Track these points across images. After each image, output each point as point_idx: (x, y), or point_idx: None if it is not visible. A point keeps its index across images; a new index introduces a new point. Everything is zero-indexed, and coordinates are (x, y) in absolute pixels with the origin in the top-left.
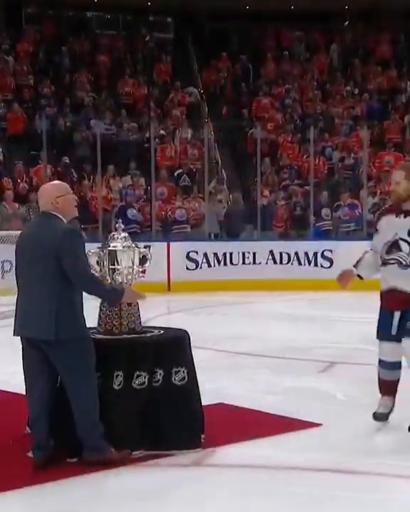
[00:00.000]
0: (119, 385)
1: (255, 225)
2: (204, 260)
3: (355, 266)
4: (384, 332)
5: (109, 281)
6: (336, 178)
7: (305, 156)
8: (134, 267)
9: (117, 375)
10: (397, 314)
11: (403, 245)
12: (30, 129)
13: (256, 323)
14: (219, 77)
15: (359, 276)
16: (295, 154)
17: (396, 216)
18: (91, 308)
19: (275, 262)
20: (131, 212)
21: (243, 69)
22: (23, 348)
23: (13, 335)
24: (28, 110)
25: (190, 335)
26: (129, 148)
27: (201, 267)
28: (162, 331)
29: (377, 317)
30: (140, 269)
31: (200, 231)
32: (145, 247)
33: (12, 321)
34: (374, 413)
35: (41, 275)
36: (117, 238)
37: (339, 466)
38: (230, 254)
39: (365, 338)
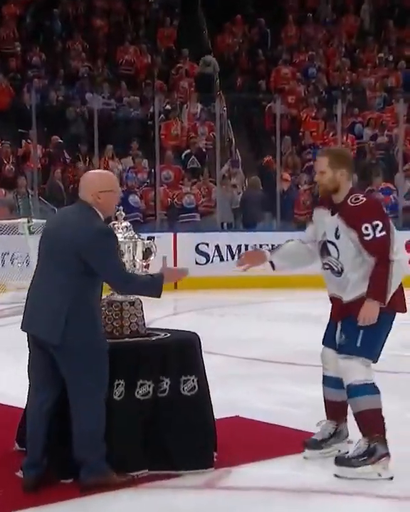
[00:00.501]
0: (119, 395)
1: (274, 214)
2: (216, 254)
3: (272, 251)
4: (329, 338)
5: None
6: (367, 159)
7: (331, 134)
8: (137, 260)
9: (118, 385)
10: (338, 324)
11: (331, 249)
12: (17, 104)
13: (274, 325)
14: (233, 43)
15: (271, 263)
16: (319, 132)
17: (327, 212)
18: None
19: None
20: (133, 199)
21: (261, 34)
22: (29, 345)
23: (20, 328)
24: (15, 82)
25: (201, 339)
26: (130, 126)
27: (212, 262)
28: (169, 334)
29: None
30: (143, 264)
31: (211, 220)
32: (149, 238)
33: (7, 320)
34: (303, 440)
35: (58, 269)
36: (118, 228)
37: (367, 489)
38: (246, 246)
39: (400, 342)
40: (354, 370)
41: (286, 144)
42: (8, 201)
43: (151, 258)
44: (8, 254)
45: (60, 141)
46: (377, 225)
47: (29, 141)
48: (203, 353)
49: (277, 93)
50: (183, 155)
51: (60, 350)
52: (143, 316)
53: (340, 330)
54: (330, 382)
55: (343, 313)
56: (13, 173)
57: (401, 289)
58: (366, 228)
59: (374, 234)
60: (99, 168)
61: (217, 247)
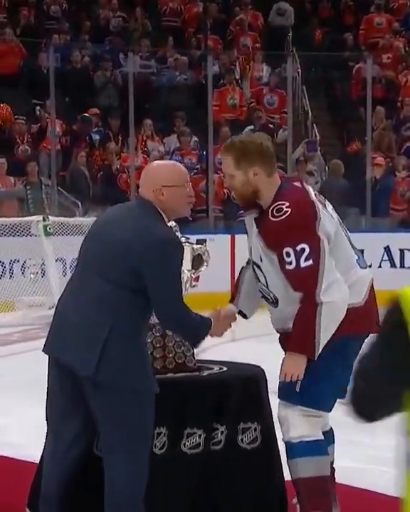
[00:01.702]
0: (161, 448)
1: (363, 209)
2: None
3: (232, 299)
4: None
5: None
6: None
7: None
8: (185, 271)
9: (159, 434)
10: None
11: (259, 273)
12: (31, 67)
13: None
14: None
15: (242, 313)
16: None
17: (252, 221)
18: None
19: (392, 264)
20: None
21: None
22: (50, 372)
23: (43, 350)
24: (28, 39)
25: (266, 374)
26: (176, 95)
27: None
28: (225, 368)
29: None
30: (193, 276)
31: None
32: (199, 242)
33: (16, 348)
34: None
35: (103, 282)
36: None
37: None
38: None
39: None
40: (290, 423)
41: (379, 117)
42: (18, 193)
43: (203, 268)
44: (18, 262)
45: (86, 115)
46: (302, 250)
47: (47, 114)
48: (270, 393)
49: (367, 50)
50: (244, 133)
51: (92, 383)
52: None
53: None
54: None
55: (286, 344)
56: (27, 156)
57: (371, 304)
58: (288, 254)
59: (297, 262)
60: (135, 150)
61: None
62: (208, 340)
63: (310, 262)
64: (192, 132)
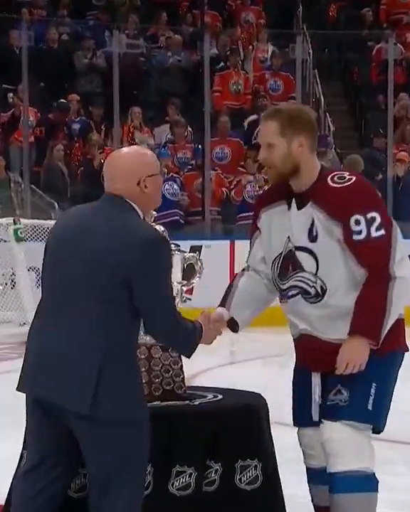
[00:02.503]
0: (146, 488)
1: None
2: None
3: (223, 303)
4: (301, 411)
5: None
6: None
7: None
8: (175, 283)
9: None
10: (316, 378)
11: (304, 259)
12: (0, 47)
13: None
14: None
15: (234, 322)
16: None
17: (283, 207)
18: None
19: None
20: (170, 189)
21: None
22: (29, 412)
23: (17, 389)
24: None
25: (269, 403)
26: (168, 79)
27: None
28: (220, 396)
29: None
30: (184, 287)
31: None
32: (193, 249)
33: None
34: None
35: (89, 304)
36: None
37: None
38: None
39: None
40: (352, 450)
41: (403, 104)
42: None
43: (196, 280)
44: None
45: (64, 101)
46: (373, 219)
47: (19, 101)
48: (273, 425)
49: (390, 28)
50: (246, 123)
51: (88, 421)
52: (182, 367)
53: (332, 386)
54: (321, 477)
55: (333, 360)
56: None
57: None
58: (358, 222)
59: (368, 232)
60: (121, 143)
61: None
62: (203, 363)
63: (382, 231)
64: (187, 122)
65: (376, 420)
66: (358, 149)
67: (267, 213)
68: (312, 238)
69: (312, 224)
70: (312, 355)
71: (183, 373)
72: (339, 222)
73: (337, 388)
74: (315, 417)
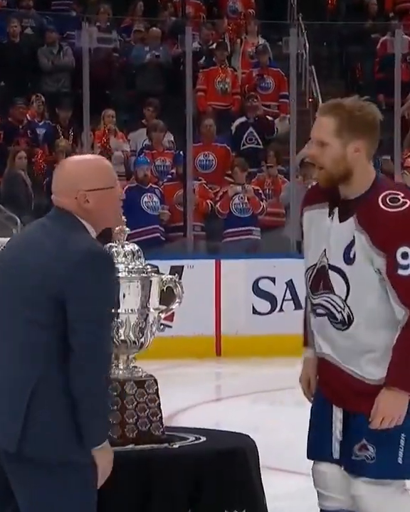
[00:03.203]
0: None
1: None
2: (288, 295)
3: (305, 342)
4: (319, 444)
5: None
6: None
7: None
8: (151, 310)
9: None
10: (338, 413)
11: (335, 280)
12: None
13: None
14: None
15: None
16: None
17: (328, 214)
18: None
19: None
20: (148, 202)
21: None
22: None
23: None
24: None
25: (257, 445)
26: (145, 77)
27: (281, 309)
28: (203, 438)
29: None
30: (162, 314)
31: (279, 238)
32: (173, 271)
33: None
34: None
35: (22, 327)
36: (119, 254)
37: None
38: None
39: None
40: (386, 507)
41: None
42: None
43: (175, 305)
44: None
45: (29, 102)
46: None
47: None
48: (264, 470)
49: (396, 18)
50: (234, 126)
51: (15, 460)
52: (159, 405)
53: (356, 438)
54: None
55: (355, 399)
56: None
57: None
58: (405, 255)
59: None
60: (92, 150)
61: (290, 284)
62: (184, 400)
63: None
64: (166, 126)
65: (408, 473)
66: None
67: (309, 213)
68: (348, 260)
69: (351, 244)
70: (333, 385)
71: (160, 412)
72: (383, 251)
73: (361, 443)
74: (336, 455)
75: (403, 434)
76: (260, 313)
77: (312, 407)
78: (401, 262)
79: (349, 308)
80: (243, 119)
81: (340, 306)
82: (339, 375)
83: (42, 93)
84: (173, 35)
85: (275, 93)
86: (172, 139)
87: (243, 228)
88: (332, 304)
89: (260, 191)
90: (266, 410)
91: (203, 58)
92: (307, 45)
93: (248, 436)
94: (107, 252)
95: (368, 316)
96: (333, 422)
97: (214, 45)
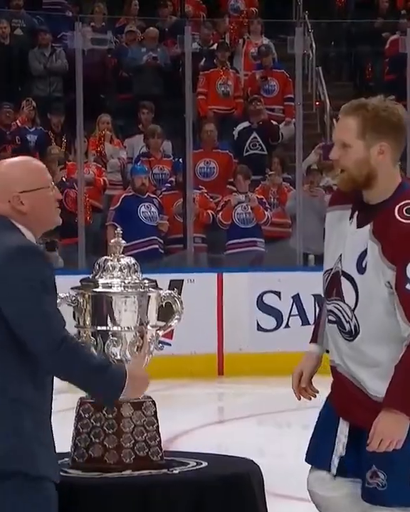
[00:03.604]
0: None
1: None
2: (295, 311)
3: (313, 338)
4: (320, 451)
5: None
6: None
7: None
8: (149, 327)
9: None
10: (343, 426)
11: (346, 288)
12: None
13: None
14: None
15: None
16: None
17: (346, 213)
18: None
19: None
20: (145, 213)
21: None
22: None
23: None
24: None
25: (262, 470)
26: (142, 80)
27: (287, 325)
28: (205, 463)
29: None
30: (160, 331)
31: (285, 250)
32: (173, 286)
33: None
34: None
35: None
36: (114, 267)
37: None
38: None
39: None
40: None
41: None
42: None
43: (174, 322)
44: None
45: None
46: None
47: None
48: (267, 497)
49: (408, 16)
50: (236, 132)
51: None
52: (158, 428)
53: (367, 464)
54: None
55: (362, 413)
56: None
57: None
58: None
59: None
60: (86, 157)
61: (296, 298)
62: (185, 422)
63: None
64: (164, 132)
65: None
66: None
67: (332, 214)
68: (360, 269)
69: (364, 253)
70: (342, 396)
71: (159, 436)
72: (392, 264)
73: (372, 470)
74: (333, 470)
75: None
76: (264, 330)
77: (321, 410)
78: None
79: (356, 318)
80: (245, 123)
81: (348, 316)
82: (347, 387)
83: (33, 97)
84: (171, 35)
85: (279, 96)
86: (171, 145)
87: (247, 240)
88: (341, 313)
89: (265, 200)
90: (272, 433)
91: (204, 60)
92: (314, 44)
93: (253, 461)
94: (37, 248)
95: (374, 329)
96: (337, 435)
97: (215, 46)
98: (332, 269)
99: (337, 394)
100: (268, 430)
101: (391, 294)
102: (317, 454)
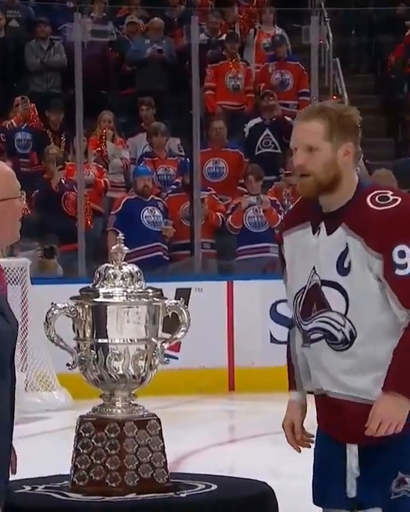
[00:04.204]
0: None
1: None
2: None
3: (292, 385)
4: (330, 486)
5: (94, 370)
6: None
7: None
8: (153, 339)
9: None
10: (352, 447)
11: (331, 296)
12: None
13: None
14: None
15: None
16: None
17: (312, 232)
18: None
19: None
20: (149, 217)
21: None
22: None
23: None
24: None
25: (276, 494)
26: (146, 74)
27: None
28: (215, 486)
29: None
30: (166, 344)
31: None
32: (179, 295)
33: None
34: None
35: None
36: (116, 276)
37: None
38: None
39: None
40: None
41: None
42: None
43: (181, 334)
44: None
45: (15, 104)
46: None
47: None
48: None
49: None
50: (247, 129)
51: None
52: (164, 448)
53: (389, 471)
54: None
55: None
56: None
57: None
58: (402, 254)
59: None
60: (86, 158)
61: None
62: (194, 442)
63: None
64: (170, 130)
65: None
66: (392, 159)
67: (290, 237)
68: (343, 271)
69: (345, 253)
70: (343, 423)
71: (165, 457)
72: (379, 253)
73: (398, 478)
74: (352, 493)
75: None
76: (278, 342)
77: (316, 453)
78: (398, 261)
79: (350, 322)
80: (257, 120)
81: (340, 323)
82: (346, 408)
83: (30, 94)
84: (177, 26)
85: (294, 90)
86: (177, 144)
87: (259, 245)
88: (330, 324)
89: (278, 202)
90: (286, 453)
91: (212, 52)
92: (331, 34)
93: (266, 484)
94: None
95: (371, 328)
96: (347, 462)
97: (224, 37)
98: (305, 287)
99: (335, 424)
100: (282, 450)
101: (382, 288)
102: (328, 494)
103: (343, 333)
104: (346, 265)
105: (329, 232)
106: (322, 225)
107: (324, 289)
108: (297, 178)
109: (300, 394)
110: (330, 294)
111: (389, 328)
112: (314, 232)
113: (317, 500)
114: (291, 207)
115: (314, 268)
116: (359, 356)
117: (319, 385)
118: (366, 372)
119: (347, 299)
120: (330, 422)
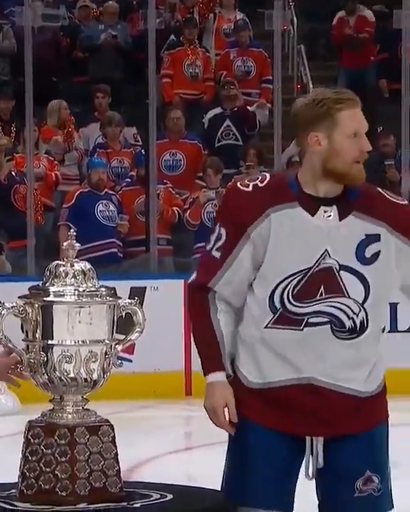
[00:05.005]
0: None
1: None
2: None
3: (219, 365)
4: (275, 487)
5: (44, 373)
6: None
7: None
8: (106, 341)
9: None
10: (319, 444)
11: (350, 282)
12: None
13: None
14: None
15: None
16: None
17: (311, 213)
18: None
19: None
20: (103, 211)
21: None
22: None
23: None
24: None
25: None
26: (99, 61)
27: None
28: (170, 496)
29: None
30: (119, 346)
31: None
32: (133, 295)
33: None
34: None
35: None
36: (67, 274)
37: None
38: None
39: None
40: None
41: None
42: None
43: (135, 336)
44: None
45: None
46: None
47: None
48: None
49: None
50: (206, 119)
51: None
52: (117, 455)
53: (356, 469)
54: None
55: (347, 420)
56: None
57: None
58: None
59: None
60: (37, 148)
61: None
62: (149, 449)
63: None
64: (125, 119)
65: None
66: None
67: (279, 214)
68: (365, 260)
69: (366, 242)
70: (316, 411)
71: (118, 464)
72: (405, 237)
73: (365, 476)
74: (310, 475)
75: (388, 458)
76: None
77: (250, 445)
78: None
79: (365, 312)
80: (217, 110)
81: (354, 311)
82: (328, 398)
83: None
84: (132, 10)
85: (256, 78)
86: (132, 134)
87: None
88: (341, 310)
89: None
90: None
91: (170, 38)
92: (295, 19)
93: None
94: None
95: (381, 321)
96: (314, 453)
97: (182, 21)
98: (310, 268)
99: (302, 410)
100: None
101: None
102: (269, 492)
103: (354, 321)
104: (368, 255)
105: (342, 217)
106: (335, 210)
107: (343, 274)
108: (358, 165)
109: (225, 376)
110: (348, 280)
111: (380, 329)
112: (312, 214)
113: (255, 500)
114: (259, 184)
115: (326, 251)
116: (362, 348)
117: (300, 373)
118: (363, 365)
119: (367, 288)
120: (295, 411)
